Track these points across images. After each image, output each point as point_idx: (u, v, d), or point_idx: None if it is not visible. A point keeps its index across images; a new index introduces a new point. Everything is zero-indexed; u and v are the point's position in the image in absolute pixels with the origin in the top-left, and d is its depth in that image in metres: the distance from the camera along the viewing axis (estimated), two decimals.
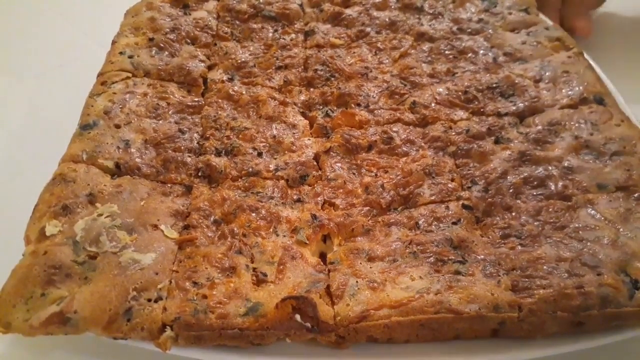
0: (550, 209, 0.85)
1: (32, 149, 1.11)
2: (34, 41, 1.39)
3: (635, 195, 0.86)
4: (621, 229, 0.81)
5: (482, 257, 0.80)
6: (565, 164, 0.92)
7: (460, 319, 0.72)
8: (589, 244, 0.80)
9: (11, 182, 0.97)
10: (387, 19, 1.23)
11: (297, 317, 0.71)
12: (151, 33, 1.17)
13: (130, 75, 1.08)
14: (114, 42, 1.14)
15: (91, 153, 0.92)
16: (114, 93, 1.03)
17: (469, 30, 1.20)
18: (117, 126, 0.97)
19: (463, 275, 0.76)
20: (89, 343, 0.80)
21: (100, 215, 0.82)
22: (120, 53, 1.11)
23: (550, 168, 0.91)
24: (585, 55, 1.11)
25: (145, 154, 0.94)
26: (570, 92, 1.03)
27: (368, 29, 1.22)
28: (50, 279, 0.73)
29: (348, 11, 1.26)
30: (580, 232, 0.82)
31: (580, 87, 1.04)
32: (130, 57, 1.11)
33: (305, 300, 0.71)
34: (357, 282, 0.76)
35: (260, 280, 0.76)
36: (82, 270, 0.75)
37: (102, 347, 0.79)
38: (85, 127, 0.96)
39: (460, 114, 1.03)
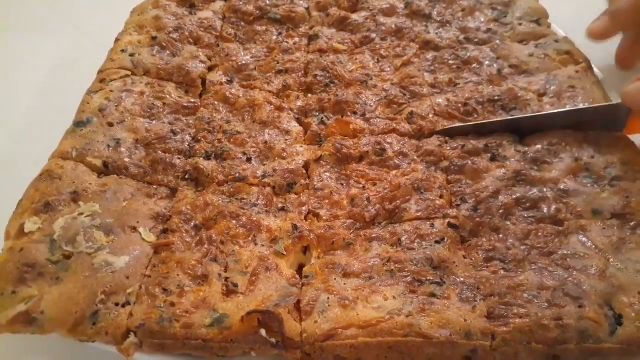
0: (540, 234, 0.82)
1: (32, 147, 1.11)
2: (36, 41, 1.41)
3: (631, 224, 0.82)
4: (611, 260, 0.78)
5: (462, 279, 0.77)
6: (561, 187, 0.88)
7: (430, 344, 0.70)
8: (575, 273, 0.76)
9: (11, 181, 0.97)
10: (393, 26, 1.20)
11: (263, 331, 0.70)
12: (155, 32, 1.17)
13: (129, 73, 1.09)
14: (117, 40, 1.15)
15: (81, 151, 0.92)
16: (111, 91, 1.03)
17: (476, 40, 1.16)
18: (110, 124, 0.98)
19: (438, 298, 0.74)
20: (60, 348, 0.80)
21: (81, 214, 0.83)
22: (122, 51, 1.12)
23: (545, 190, 0.88)
24: (595, 71, 1.07)
25: (134, 153, 0.95)
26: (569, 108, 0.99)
27: (373, 35, 1.19)
28: (23, 277, 0.73)
29: (354, 16, 1.24)
30: (567, 259, 0.78)
31: (585, 104, 0.99)
32: (132, 55, 1.11)
33: (271, 315, 0.70)
34: (328, 298, 0.75)
35: (230, 291, 0.75)
36: (55, 269, 0.75)
37: (74, 352, 0.79)
38: (78, 124, 0.97)
39: None
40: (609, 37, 1.11)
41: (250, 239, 0.83)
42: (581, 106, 0.99)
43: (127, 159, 0.93)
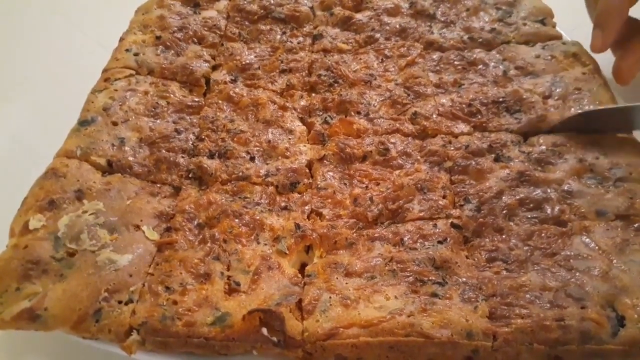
0: (543, 234, 0.82)
1: (36, 146, 1.12)
2: (40, 39, 1.42)
3: (635, 225, 0.82)
4: (615, 261, 0.77)
5: (464, 279, 0.77)
6: (565, 188, 0.88)
7: (431, 343, 0.70)
8: (577, 274, 0.76)
9: (14, 179, 0.98)
10: (397, 25, 1.20)
11: (264, 330, 0.70)
12: (159, 31, 1.17)
13: (133, 72, 1.09)
14: (121, 39, 1.15)
15: (85, 149, 0.93)
16: (116, 90, 1.04)
17: (480, 40, 1.16)
18: (115, 123, 0.98)
19: (440, 298, 0.74)
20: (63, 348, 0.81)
21: (85, 212, 0.83)
22: (127, 50, 1.12)
23: (549, 191, 0.88)
24: (603, 73, 1.06)
25: (138, 152, 0.95)
26: (579, 111, 0.99)
27: (377, 35, 1.19)
28: (27, 273, 0.74)
29: (358, 16, 1.24)
30: (570, 260, 0.78)
31: (591, 106, 0.99)
32: (136, 54, 1.12)
33: (272, 314, 0.70)
34: (330, 297, 0.75)
35: (232, 289, 0.76)
36: (59, 267, 0.76)
37: (74, 352, 0.80)
38: (83, 122, 0.98)
39: (462, 127, 1.00)
40: (607, 44, 1.03)
41: (252, 237, 0.84)
42: (586, 108, 0.98)
43: (131, 158, 0.94)
